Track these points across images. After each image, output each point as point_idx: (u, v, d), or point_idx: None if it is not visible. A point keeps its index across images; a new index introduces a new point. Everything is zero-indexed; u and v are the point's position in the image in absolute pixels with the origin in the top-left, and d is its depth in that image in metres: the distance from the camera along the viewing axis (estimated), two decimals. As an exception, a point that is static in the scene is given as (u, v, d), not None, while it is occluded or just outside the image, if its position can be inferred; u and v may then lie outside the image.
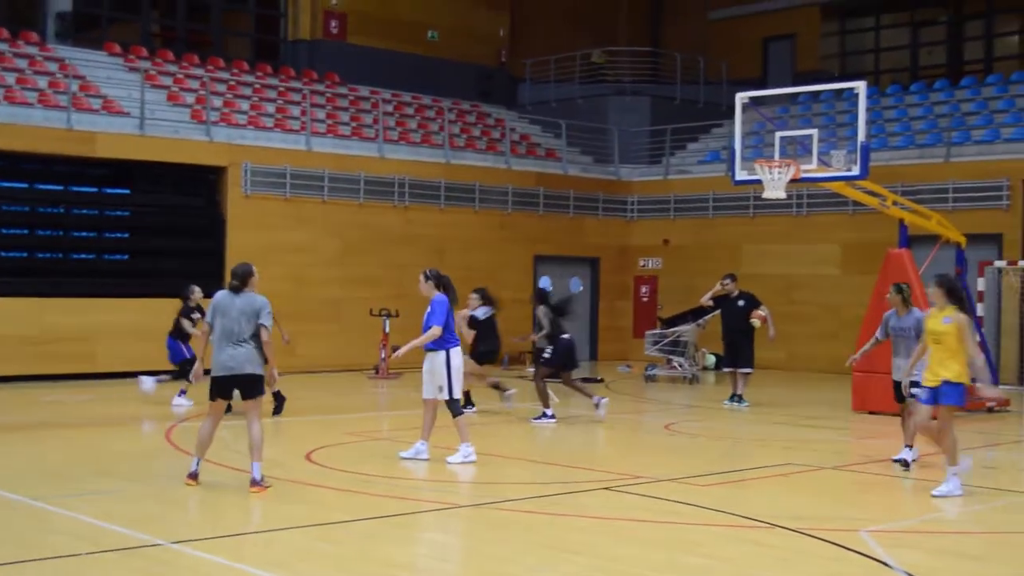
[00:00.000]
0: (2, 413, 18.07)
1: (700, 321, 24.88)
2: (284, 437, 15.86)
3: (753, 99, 20.76)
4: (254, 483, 11.29)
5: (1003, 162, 25.99)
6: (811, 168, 18.49)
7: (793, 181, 18.59)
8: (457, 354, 13.30)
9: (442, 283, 13.41)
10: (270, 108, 29.01)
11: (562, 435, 16.89)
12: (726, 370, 21.12)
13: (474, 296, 18.44)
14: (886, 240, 22.30)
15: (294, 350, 24.77)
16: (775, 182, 18.32)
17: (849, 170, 18.36)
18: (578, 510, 10.90)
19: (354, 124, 29.83)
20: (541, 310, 17.91)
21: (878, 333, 14.31)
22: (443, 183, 28.46)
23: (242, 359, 11.39)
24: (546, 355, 17.90)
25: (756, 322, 20.17)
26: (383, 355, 24.48)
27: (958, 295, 11.94)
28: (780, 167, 18.30)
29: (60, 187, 23.90)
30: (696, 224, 30.98)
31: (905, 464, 13.72)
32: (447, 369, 13.17)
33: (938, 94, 31.70)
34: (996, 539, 10.27)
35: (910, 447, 14.03)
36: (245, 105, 28.51)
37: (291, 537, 9.60)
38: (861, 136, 18.21)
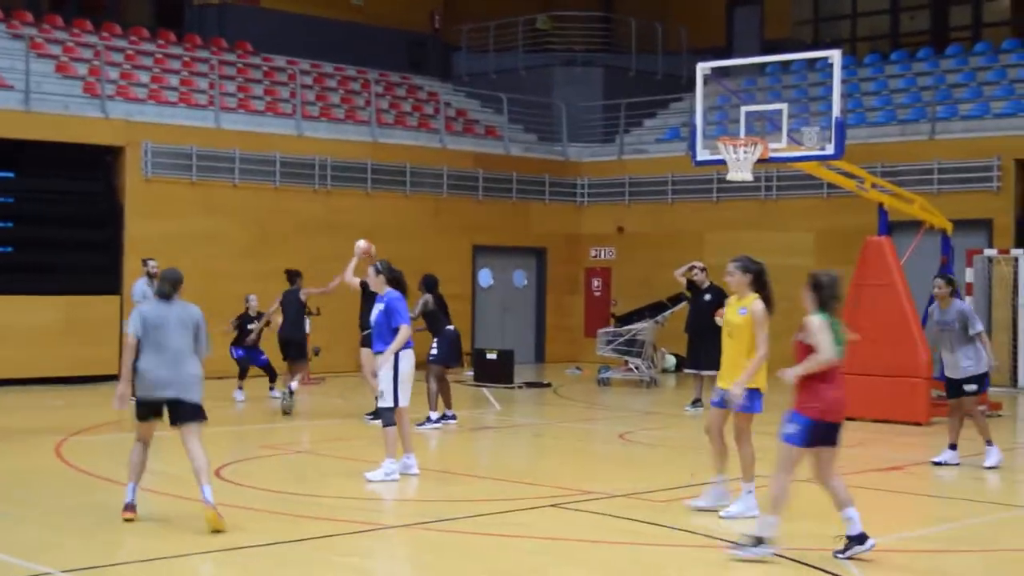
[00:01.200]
0: None
1: (658, 318, 24.95)
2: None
3: (716, 70, 20.76)
4: (209, 505, 10.64)
5: (993, 139, 26.23)
6: (781, 147, 18.55)
7: (761, 161, 18.64)
8: (407, 357, 13.25)
9: (395, 277, 13.52)
10: (173, 80, 28.77)
11: (503, 446, 16.86)
12: (688, 372, 21.17)
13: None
14: (864, 226, 22.44)
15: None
16: (741, 162, 18.37)
17: (823, 149, 18.43)
18: (522, 530, 10.86)
19: (269, 99, 29.65)
20: (426, 299, 18.33)
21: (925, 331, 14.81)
22: (370, 164, 28.35)
23: (188, 382, 10.92)
24: (433, 351, 18.14)
25: (720, 320, 20.15)
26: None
27: (763, 280, 11.46)
28: (746, 146, 18.34)
29: (-67, 170, 23.64)
30: (654, 209, 31.05)
31: (945, 464, 14.52)
32: (394, 373, 13.15)
33: (921, 64, 31.95)
34: (987, 557, 10.34)
35: (954, 447, 14.58)
36: (145, 77, 28.26)
37: (197, 564, 9.50)
38: (836, 111, 18.28)
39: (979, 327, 14.49)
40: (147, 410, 11.10)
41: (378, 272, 13.52)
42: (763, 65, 32.29)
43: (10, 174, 24.19)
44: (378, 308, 13.35)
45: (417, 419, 17.66)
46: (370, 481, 13.03)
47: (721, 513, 11.38)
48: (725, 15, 38.49)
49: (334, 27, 34.56)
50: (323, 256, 25.93)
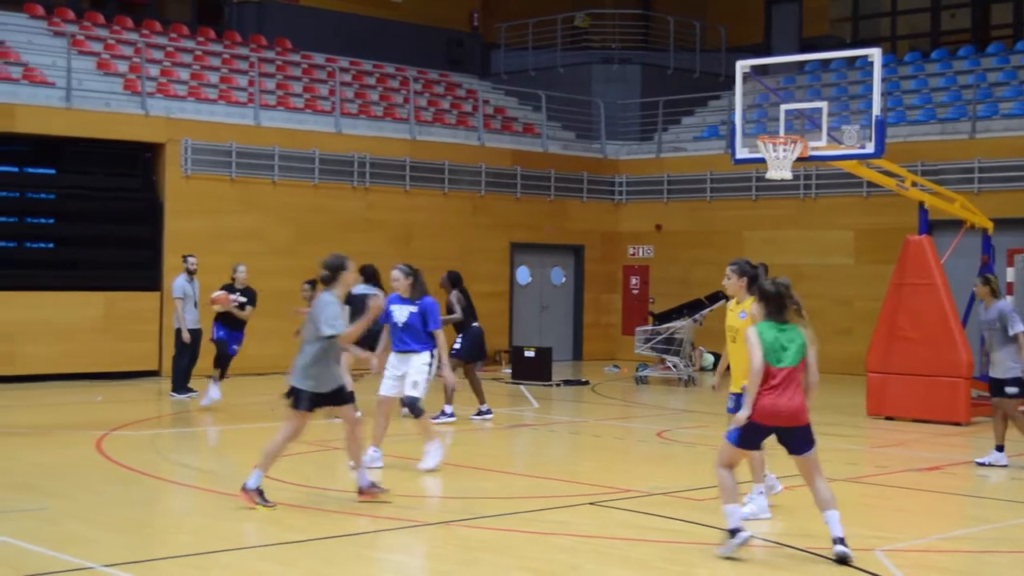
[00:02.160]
0: (-90, 421, 17.95)
1: (697, 316, 24.92)
2: (231, 447, 15.79)
3: (755, 68, 20.74)
4: (367, 489, 11.67)
5: (1034, 137, 26.08)
6: (820, 145, 18.49)
7: (800, 160, 18.58)
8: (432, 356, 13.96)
9: (419, 281, 13.95)
10: (213, 78, 28.88)
11: (541, 443, 16.86)
12: None
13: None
14: (904, 225, 22.34)
15: (244, 350, 24.70)
16: (780, 161, 18.32)
17: (863, 147, 18.36)
18: (560, 528, 10.87)
19: (308, 96, 29.73)
20: (455, 295, 18.78)
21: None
22: (408, 162, 28.40)
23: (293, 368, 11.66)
24: (455, 346, 18.55)
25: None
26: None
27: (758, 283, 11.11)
28: (786, 144, 18.28)
29: (-25, 167, 23.80)
30: (692, 208, 30.99)
31: (991, 465, 14.54)
32: (428, 368, 13.79)
33: (962, 62, 31.77)
34: (1027, 558, 10.29)
35: (1000, 448, 14.55)
36: (185, 74, 28.38)
37: (237, 559, 9.54)
38: (876, 109, 18.21)
39: (1019, 327, 14.37)
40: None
41: (407, 275, 13.85)
42: (802, 63, 32.16)
43: (51, 171, 24.34)
44: (409, 310, 13.71)
45: (432, 413, 17.80)
46: (429, 471, 13.43)
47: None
48: (763, 12, 38.36)
49: (373, 25, 34.61)
50: (361, 253, 25.78)
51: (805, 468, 9.82)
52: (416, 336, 13.70)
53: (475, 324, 18.89)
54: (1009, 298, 23.29)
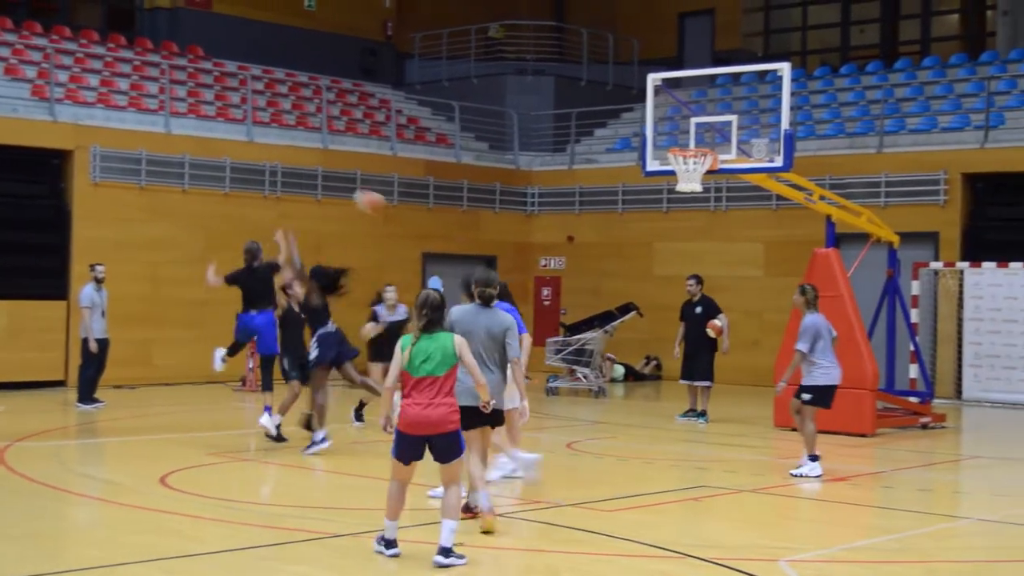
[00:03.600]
0: None
1: (607, 328, 25.04)
2: (135, 458, 15.64)
3: (667, 81, 20.90)
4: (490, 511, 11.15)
5: (940, 153, 26.45)
6: (730, 158, 18.67)
7: (710, 172, 18.75)
8: None
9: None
10: (123, 84, 28.62)
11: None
12: (682, 382, 21.37)
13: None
14: (813, 238, 22.59)
15: (150, 359, 24.55)
16: (690, 173, 18.47)
17: (772, 161, 18.54)
18: (465, 539, 10.87)
19: (219, 104, 29.56)
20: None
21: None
22: (320, 171, 28.31)
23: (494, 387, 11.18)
24: (312, 356, 16.52)
25: (711, 332, 20.51)
26: (250, 364, 24.25)
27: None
28: (696, 157, 18.44)
29: None
30: (604, 219, 31.15)
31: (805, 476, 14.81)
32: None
33: (871, 77, 32.21)
34: (928, 569, 10.44)
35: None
36: (95, 81, 28.12)
37: (140, 572, 9.47)
38: (785, 123, 18.40)
39: (800, 345, 14.91)
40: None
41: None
42: (713, 76, 32.49)
43: (-45, 177, 24.03)
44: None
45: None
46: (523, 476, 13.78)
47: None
48: (676, 26, 38.69)
49: (286, 33, 34.48)
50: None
51: (446, 476, 9.98)
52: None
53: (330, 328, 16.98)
54: (914, 311, 23.71)
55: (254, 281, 17.65)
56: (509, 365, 11.37)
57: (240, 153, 27.16)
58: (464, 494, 11.01)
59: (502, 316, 11.24)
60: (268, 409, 16.56)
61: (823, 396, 15.09)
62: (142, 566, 9.64)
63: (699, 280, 21.34)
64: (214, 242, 26.26)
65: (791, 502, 13.60)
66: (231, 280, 17.74)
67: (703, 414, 20.76)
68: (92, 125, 25.44)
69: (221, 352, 17.54)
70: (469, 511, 11.26)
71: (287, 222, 27.14)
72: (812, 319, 15.05)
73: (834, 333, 15.33)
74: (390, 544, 9.93)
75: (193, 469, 14.49)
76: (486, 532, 10.82)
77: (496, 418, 11.29)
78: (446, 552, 9.66)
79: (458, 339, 9.93)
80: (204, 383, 25.02)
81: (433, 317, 9.84)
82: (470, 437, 11.02)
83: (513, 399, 12.73)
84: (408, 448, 9.92)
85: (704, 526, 11.88)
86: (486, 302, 11.28)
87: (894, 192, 26.58)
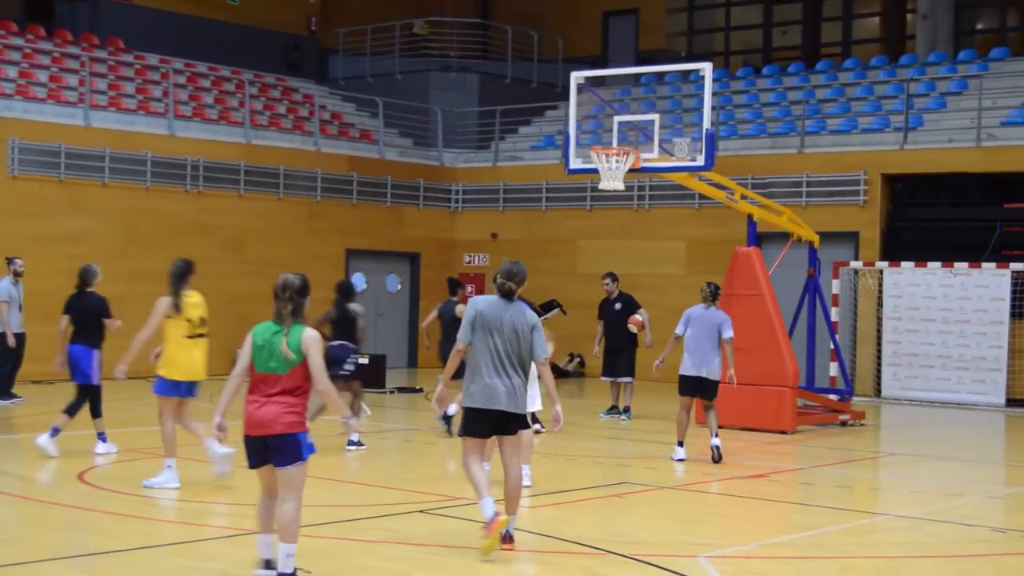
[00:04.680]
0: None
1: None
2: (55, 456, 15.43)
3: (591, 79, 20.94)
4: (508, 538, 10.24)
5: (860, 154, 26.73)
6: (652, 157, 18.72)
7: (632, 171, 18.80)
8: None
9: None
10: (42, 76, 28.28)
11: (373, 452, 16.80)
12: (604, 379, 21.40)
13: None
14: (734, 237, 22.76)
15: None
16: (613, 172, 18.50)
17: (694, 160, 18.60)
18: (389, 536, 10.85)
19: (140, 97, 29.28)
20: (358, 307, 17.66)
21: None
22: (243, 166, 28.12)
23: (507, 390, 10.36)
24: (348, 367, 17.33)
25: (633, 328, 20.58)
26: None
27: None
28: (618, 155, 18.47)
29: None
30: (528, 216, 31.19)
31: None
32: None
33: (792, 78, 32.49)
34: (846, 565, 10.52)
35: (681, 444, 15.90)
36: (13, 72, 27.75)
37: (55, 570, 9.35)
38: (707, 123, 18.47)
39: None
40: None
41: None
42: (637, 76, 32.62)
43: None
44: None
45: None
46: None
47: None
48: (601, 25, 38.80)
49: (209, 26, 34.22)
50: (193, 258, 25.56)
51: (282, 484, 8.85)
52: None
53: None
54: (835, 309, 23.90)
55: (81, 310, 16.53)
56: (535, 365, 10.68)
57: (161, 147, 26.90)
58: (494, 512, 10.03)
59: (529, 313, 10.51)
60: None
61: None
62: (58, 563, 9.52)
63: (615, 278, 21.41)
64: (134, 237, 26.06)
65: (712, 498, 13.68)
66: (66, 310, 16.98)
67: (626, 410, 20.86)
68: (10, 117, 25.14)
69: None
70: (510, 540, 10.26)
71: (208, 217, 27.12)
72: (692, 309, 16.58)
73: (727, 334, 16.21)
74: (268, 564, 8.90)
75: (112, 466, 14.34)
76: (483, 552, 9.92)
77: (518, 424, 10.58)
78: (269, 563, 8.84)
79: (308, 334, 8.74)
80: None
81: (299, 303, 8.75)
82: (471, 443, 10.51)
83: (534, 400, 12.43)
84: (250, 452, 8.84)
85: (625, 522, 11.91)
86: (506, 296, 10.53)
87: (815, 192, 26.82)
